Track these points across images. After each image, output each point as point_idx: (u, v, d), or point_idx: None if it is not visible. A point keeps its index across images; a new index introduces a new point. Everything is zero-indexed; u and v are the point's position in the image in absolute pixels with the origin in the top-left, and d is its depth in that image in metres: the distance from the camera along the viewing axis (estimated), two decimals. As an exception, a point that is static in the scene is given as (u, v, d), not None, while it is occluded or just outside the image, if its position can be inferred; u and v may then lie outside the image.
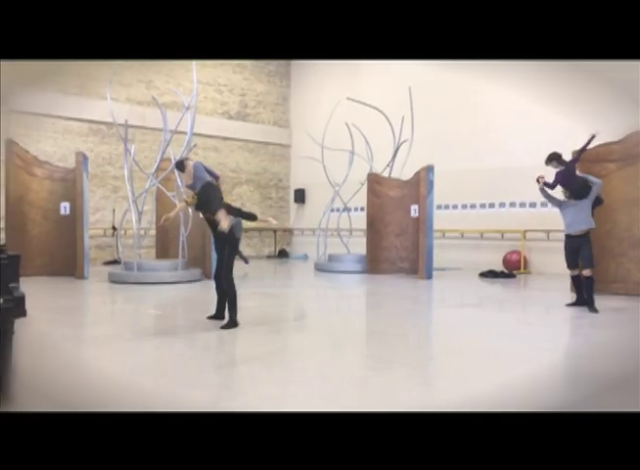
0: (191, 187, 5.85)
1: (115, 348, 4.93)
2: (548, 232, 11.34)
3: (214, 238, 5.88)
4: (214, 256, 10.20)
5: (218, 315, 5.86)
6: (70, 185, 10.71)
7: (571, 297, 7.24)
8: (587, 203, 6.60)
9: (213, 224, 5.63)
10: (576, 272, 6.75)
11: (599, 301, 6.62)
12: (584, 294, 6.64)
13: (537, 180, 6.86)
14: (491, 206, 12.91)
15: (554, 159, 6.85)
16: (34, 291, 5.93)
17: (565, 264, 6.87)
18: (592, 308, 6.48)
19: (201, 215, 5.94)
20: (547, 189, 6.82)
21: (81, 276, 10.39)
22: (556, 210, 7.09)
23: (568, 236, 6.71)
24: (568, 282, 8.09)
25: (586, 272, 6.54)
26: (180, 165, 5.95)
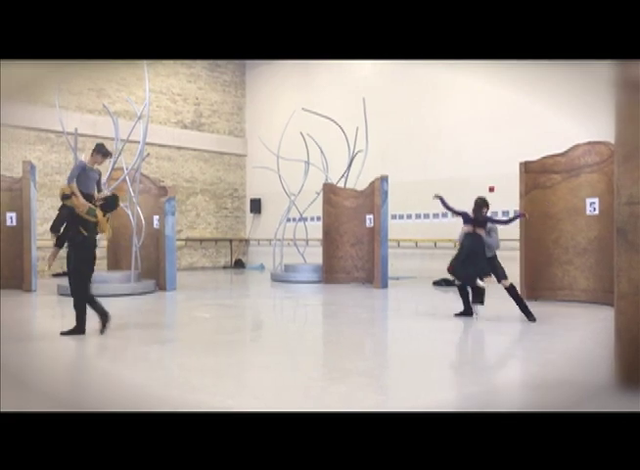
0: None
1: (64, 361, 4.78)
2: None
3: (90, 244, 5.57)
4: (170, 266, 10.12)
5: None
6: (17, 195, 10.36)
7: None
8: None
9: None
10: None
11: (548, 308, 6.81)
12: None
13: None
14: (444, 215, 13.17)
15: (484, 207, 7.20)
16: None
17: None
18: (471, 314, 6.76)
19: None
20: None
21: (29, 289, 10.04)
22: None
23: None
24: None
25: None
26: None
